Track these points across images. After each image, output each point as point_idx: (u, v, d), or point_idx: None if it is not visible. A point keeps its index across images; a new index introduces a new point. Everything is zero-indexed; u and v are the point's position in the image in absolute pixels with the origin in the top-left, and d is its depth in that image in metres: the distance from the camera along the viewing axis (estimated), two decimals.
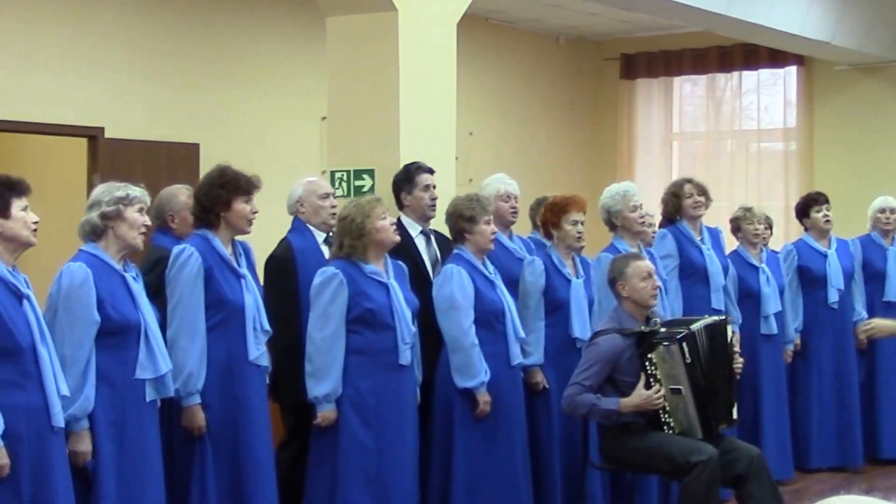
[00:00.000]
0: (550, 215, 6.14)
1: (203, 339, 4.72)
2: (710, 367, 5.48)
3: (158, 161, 8.83)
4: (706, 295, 6.76)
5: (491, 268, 5.74)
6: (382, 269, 5.23)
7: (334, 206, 5.68)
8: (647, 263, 5.68)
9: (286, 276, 5.52)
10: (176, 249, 4.83)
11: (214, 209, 4.85)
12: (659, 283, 5.72)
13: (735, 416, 5.62)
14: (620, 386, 5.44)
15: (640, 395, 5.35)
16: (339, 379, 5.06)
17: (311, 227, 5.71)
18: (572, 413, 5.52)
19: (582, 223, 6.10)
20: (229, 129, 9.55)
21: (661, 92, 12.56)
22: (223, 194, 4.84)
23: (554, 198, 6.24)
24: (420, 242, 5.96)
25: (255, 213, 4.92)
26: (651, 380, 5.40)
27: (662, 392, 5.37)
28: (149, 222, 4.54)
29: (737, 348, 5.80)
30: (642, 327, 5.51)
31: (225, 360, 4.79)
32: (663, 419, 5.41)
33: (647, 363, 5.40)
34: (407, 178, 5.96)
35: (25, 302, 3.98)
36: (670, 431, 5.41)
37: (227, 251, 4.86)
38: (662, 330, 5.50)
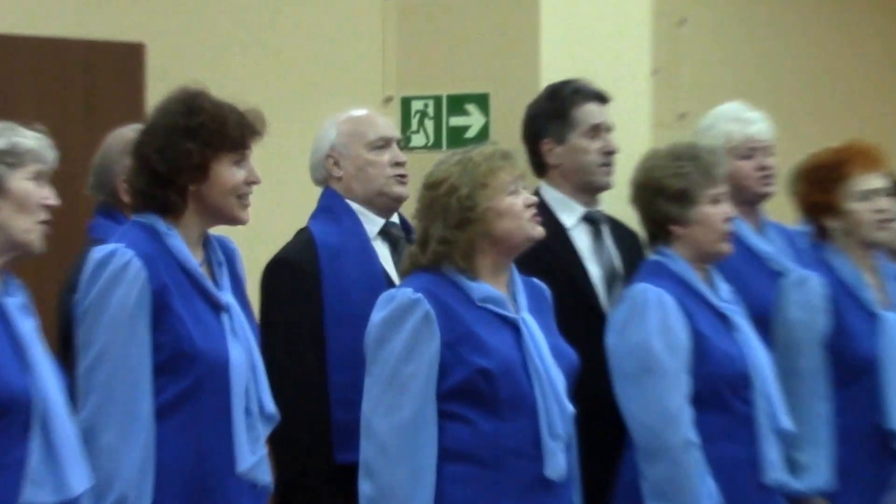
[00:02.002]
0: (817, 192, 5.60)
1: (147, 431, 4.27)
2: None
3: (68, 73, 8.45)
4: None
5: (724, 289, 5.13)
6: (506, 291, 4.55)
7: (399, 164, 5.20)
8: None
9: (302, 297, 5.11)
10: (97, 254, 4.29)
11: (177, 178, 4.31)
12: None
13: None
14: None
15: None
16: None
17: (357, 207, 5.19)
18: None
19: (884, 192, 5.51)
20: (203, 20, 8.91)
21: None
22: (193, 149, 4.30)
23: (816, 157, 5.74)
24: (579, 236, 5.41)
25: (254, 183, 4.40)
26: None
27: None
28: (53, 200, 4.15)
29: None
30: None
31: (190, 471, 4.31)
32: None
33: None
34: (556, 114, 5.45)
35: None
36: None
37: (194, 257, 4.33)
38: None
